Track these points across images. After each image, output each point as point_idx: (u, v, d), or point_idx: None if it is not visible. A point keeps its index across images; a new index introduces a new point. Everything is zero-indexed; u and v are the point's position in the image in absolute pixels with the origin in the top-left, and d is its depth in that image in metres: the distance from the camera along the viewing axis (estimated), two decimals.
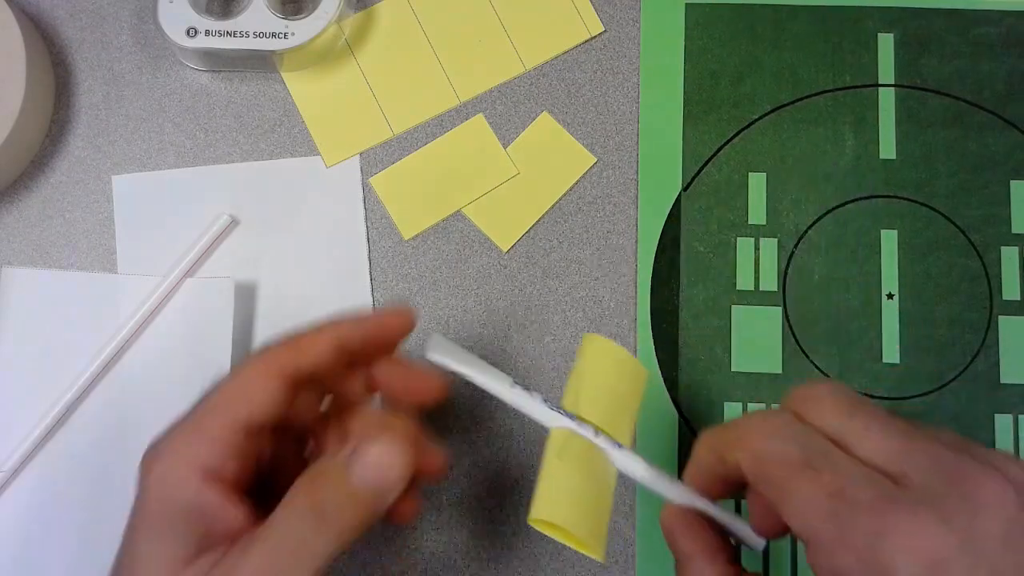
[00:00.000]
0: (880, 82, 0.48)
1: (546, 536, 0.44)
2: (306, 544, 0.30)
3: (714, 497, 0.34)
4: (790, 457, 0.28)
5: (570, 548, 0.33)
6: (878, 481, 0.27)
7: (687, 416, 0.45)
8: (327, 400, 0.37)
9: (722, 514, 0.33)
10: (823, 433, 0.29)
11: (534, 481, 0.45)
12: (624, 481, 0.44)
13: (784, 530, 0.32)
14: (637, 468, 0.34)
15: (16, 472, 0.44)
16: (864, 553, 0.26)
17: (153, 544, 0.31)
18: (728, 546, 0.33)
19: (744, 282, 0.46)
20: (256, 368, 0.33)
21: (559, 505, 0.32)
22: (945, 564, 0.25)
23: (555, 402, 0.35)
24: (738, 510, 0.45)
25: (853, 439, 0.29)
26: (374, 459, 0.32)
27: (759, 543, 0.33)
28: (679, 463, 0.44)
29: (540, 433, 0.45)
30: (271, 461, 0.35)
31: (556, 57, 0.48)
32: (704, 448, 0.33)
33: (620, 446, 0.34)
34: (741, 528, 0.33)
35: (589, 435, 0.34)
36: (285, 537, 0.30)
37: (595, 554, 0.32)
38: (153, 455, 0.32)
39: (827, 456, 0.28)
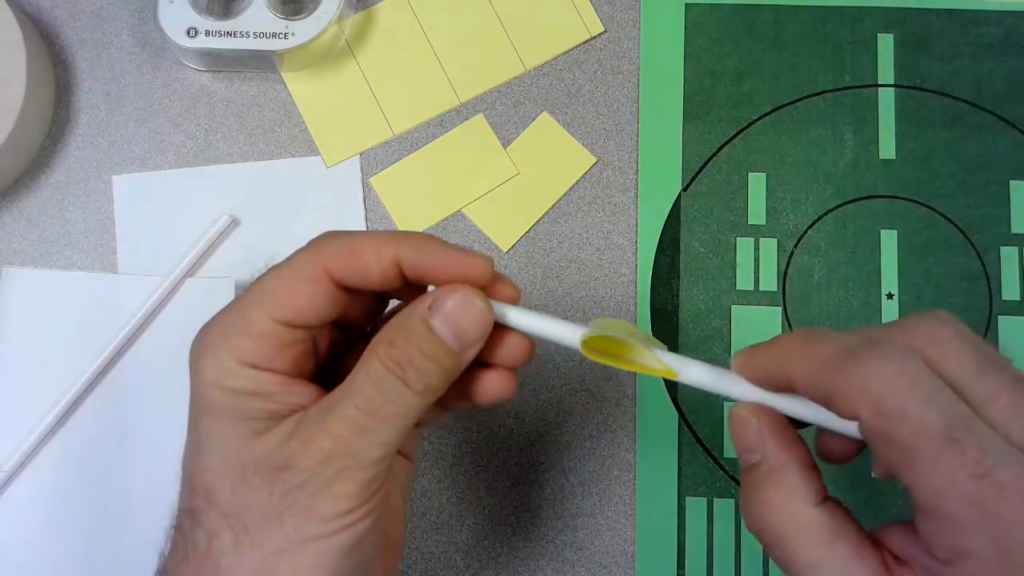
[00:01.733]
0: (880, 82, 0.48)
1: (546, 536, 0.44)
2: (390, 403, 0.29)
3: None
4: (930, 424, 0.25)
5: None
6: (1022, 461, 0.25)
7: (687, 416, 0.45)
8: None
9: (809, 409, 0.29)
10: (948, 385, 0.26)
11: (535, 480, 0.45)
12: (623, 481, 0.45)
13: (855, 455, 0.30)
14: (682, 365, 0.31)
15: (16, 472, 0.44)
16: (1006, 541, 0.24)
17: (218, 425, 0.30)
18: (814, 461, 0.30)
19: (744, 282, 0.46)
20: (303, 267, 0.31)
21: (610, 327, 0.30)
22: None
23: None
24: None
25: (980, 400, 0.26)
26: (452, 309, 0.30)
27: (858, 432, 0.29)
28: (679, 464, 0.45)
29: (541, 432, 0.45)
30: (334, 351, 0.34)
31: (556, 57, 0.48)
32: (776, 360, 0.29)
33: (659, 348, 0.31)
34: (832, 420, 0.29)
35: (620, 335, 0.31)
36: (369, 398, 0.29)
37: (669, 372, 0.30)
38: (201, 346, 0.31)
39: (970, 426, 0.25)
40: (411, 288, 0.33)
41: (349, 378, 0.30)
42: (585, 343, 0.31)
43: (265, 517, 0.28)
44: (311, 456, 0.29)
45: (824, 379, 0.27)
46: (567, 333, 0.31)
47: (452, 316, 0.30)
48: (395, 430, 0.29)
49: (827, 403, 0.28)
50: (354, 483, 0.29)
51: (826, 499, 0.29)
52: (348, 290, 0.32)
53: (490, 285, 0.32)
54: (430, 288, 0.32)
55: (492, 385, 0.33)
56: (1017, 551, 0.24)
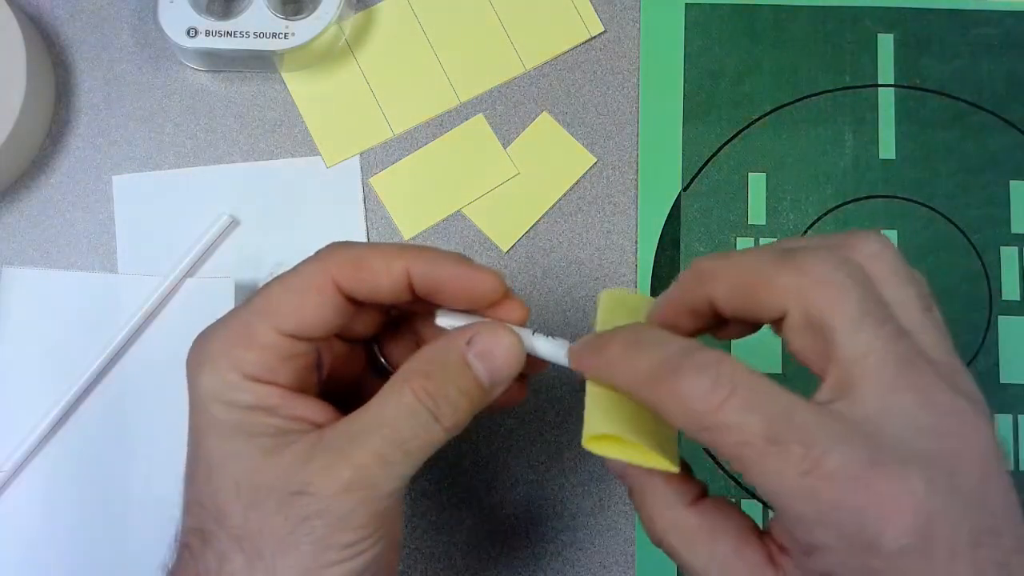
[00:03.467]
0: (880, 82, 0.48)
1: (546, 536, 0.44)
2: (418, 437, 0.29)
3: (687, 331, 0.30)
4: (750, 431, 0.25)
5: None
6: (855, 438, 0.24)
7: None
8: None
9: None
10: (877, 293, 0.26)
11: (535, 480, 0.45)
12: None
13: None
14: None
15: (16, 472, 0.44)
16: (847, 529, 0.24)
17: (225, 443, 0.29)
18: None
19: None
20: (311, 278, 0.30)
21: (612, 418, 0.29)
22: (931, 530, 0.23)
23: None
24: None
25: (898, 305, 0.26)
26: (489, 346, 0.30)
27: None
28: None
29: (542, 432, 0.45)
30: (338, 365, 0.33)
31: (556, 57, 0.48)
32: (696, 285, 0.29)
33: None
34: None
35: (622, 433, 0.31)
36: (398, 430, 0.29)
37: (668, 466, 0.29)
38: (200, 358, 0.30)
39: (791, 421, 0.25)
40: (419, 302, 0.32)
41: (375, 405, 0.29)
42: (590, 439, 0.29)
43: (280, 543, 0.28)
44: (330, 485, 0.28)
45: (751, 277, 0.27)
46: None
47: (489, 353, 0.30)
48: (417, 463, 0.29)
49: (749, 302, 0.27)
50: (371, 514, 0.28)
51: (700, 498, 0.29)
52: (355, 302, 0.31)
53: (500, 302, 0.32)
54: (439, 315, 0.32)
55: (508, 393, 0.33)
56: (860, 536, 0.24)
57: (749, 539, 0.28)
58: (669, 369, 0.26)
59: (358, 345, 0.35)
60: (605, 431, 0.29)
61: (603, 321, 0.33)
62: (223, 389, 0.29)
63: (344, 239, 0.46)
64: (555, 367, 0.31)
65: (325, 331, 0.31)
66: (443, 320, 0.32)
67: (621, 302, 0.33)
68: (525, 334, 0.32)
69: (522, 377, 0.33)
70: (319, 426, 0.30)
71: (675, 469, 0.29)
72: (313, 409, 0.30)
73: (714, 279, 0.28)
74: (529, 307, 0.33)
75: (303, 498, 0.28)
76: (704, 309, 0.29)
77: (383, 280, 0.31)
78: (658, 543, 0.29)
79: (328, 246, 0.32)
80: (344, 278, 0.31)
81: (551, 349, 0.32)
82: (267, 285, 0.31)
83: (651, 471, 0.29)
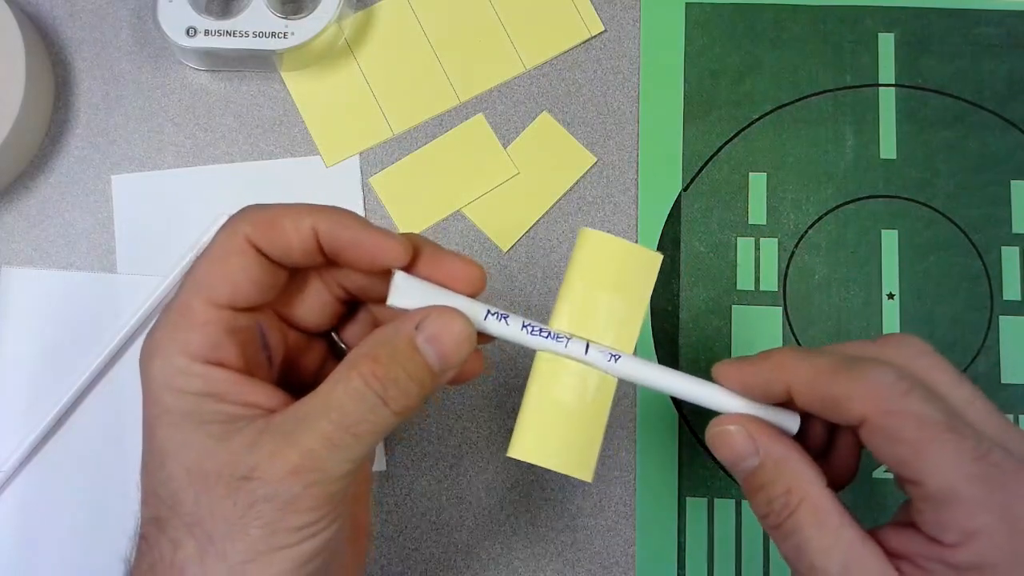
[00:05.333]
0: (880, 82, 0.48)
1: (546, 536, 0.44)
2: (366, 421, 0.29)
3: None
4: (932, 418, 0.28)
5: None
6: (1005, 448, 0.28)
7: (687, 416, 0.45)
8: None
9: (766, 410, 0.32)
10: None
11: (535, 480, 0.45)
12: (623, 481, 0.45)
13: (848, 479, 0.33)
14: (639, 369, 0.32)
15: (16, 472, 0.44)
16: (1008, 513, 0.27)
17: (176, 431, 0.29)
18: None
19: (744, 282, 0.46)
20: (227, 243, 0.31)
21: (535, 442, 0.31)
22: None
23: (540, 323, 0.32)
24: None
25: (960, 405, 0.29)
26: (438, 331, 0.30)
27: (794, 426, 0.32)
28: (679, 464, 0.44)
29: None
30: (290, 356, 0.33)
31: (556, 57, 0.48)
32: (773, 371, 0.31)
33: (618, 356, 0.32)
34: (776, 415, 0.32)
35: (578, 353, 0.31)
36: (346, 414, 0.29)
37: (581, 476, 0.31)
38: (149, 350, 0.30)
39: (962, 420, 0.28)
40: (332, 265, 0.32)
41: (323, 390, 0.29)
42: (513, 448, 0.31)
43: (229, 527, 0.28)
44: (277, 468, 0.28)
45: (827, 385, 0.29)
46: (534, 344, 0.32)
47: (438, 338, 0.30)
48: (367, 446, 0.29)
49: (828, 407, 0.29)
50: (320, 497, 0.28)
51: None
52: (273, 262, 0.31)
53: (458, 272, 0.32)
54: (392, 292, 0.32)
55: (465, 368, 0.32)
56: (1020, 519, 0.27)
57: (869, 536, 0.29)
58: (852, 362, 0.29)
59: (318, 338, 0.35)
60: (522, 457, 0.31)
61: (583, 261, 0.32)
62: (173, 375, 0.29)
63: None
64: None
65: (258, 294, 0.31)
66: (395, 299, 0.31)
67: (605, 247, 0.32)
68: (478, 313, 0.32)
69: (476, 350, 0.32)
70: (271, 412, 0.30)
71: (588, 479, 0.31)
72: (265, 395, 0.30)
73: (790, 375, 0.31)
74: (485, 271, 0.32)
75: (251, 483, 0.28)
76: (779, 395, 0.31)
77: (293, 238, 0.31)
78: (783, 519, 0.30)
79: (240, 210, 0.32)
80: (259, 239, 0.31)
81: (504, 329, 0.32)
82: (192, 265, 0.31)
83: (792, 441, 0.31)
